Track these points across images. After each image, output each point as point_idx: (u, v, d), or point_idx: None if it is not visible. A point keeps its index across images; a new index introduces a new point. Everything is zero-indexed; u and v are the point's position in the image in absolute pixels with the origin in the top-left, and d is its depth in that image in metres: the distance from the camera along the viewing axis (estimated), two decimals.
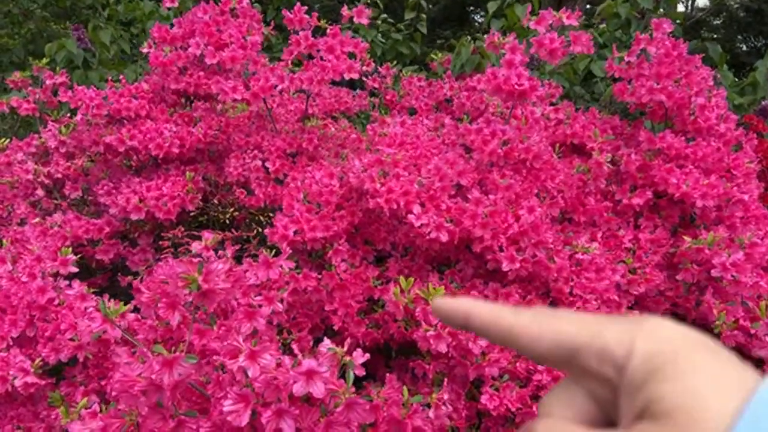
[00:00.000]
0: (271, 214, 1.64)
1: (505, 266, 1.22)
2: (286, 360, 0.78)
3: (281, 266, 1.04)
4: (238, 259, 1.34)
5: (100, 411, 0.96)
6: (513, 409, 1.15)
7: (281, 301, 1.00)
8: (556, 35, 1.43)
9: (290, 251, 1.10)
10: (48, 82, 1.90)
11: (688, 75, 1.50)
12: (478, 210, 1.24)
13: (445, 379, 1.22)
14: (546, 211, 1.39)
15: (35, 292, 1.27)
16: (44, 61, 1.97)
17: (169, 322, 0.98)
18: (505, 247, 1.24)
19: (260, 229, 1.57)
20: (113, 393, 0.78)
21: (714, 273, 1.31)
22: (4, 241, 1.59)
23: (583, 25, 2.94)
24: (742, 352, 1.28)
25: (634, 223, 1.53)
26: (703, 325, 1.39)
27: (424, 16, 3.51)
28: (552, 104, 1.98)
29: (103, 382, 1.29)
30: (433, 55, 2.46)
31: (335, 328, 1.29)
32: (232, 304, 1.12)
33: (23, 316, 1.28)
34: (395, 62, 3.32)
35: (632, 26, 2.46)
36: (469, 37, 2.27)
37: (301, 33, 1.58)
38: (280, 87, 1.53)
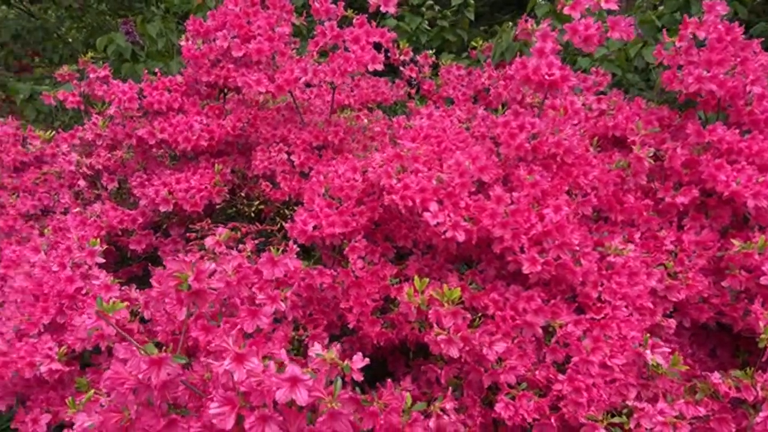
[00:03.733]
0: (295, 208, 1.64)
1: (526, 268, 1.15)
2: (272, 365, 0.76)
3: (287, 263, 1.02)
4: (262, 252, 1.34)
5: None
6: (530, 420, 1.09)
7: (284, 300, 0.98)
8: (593, 20, 1.33)
9: (297, 249, 1.08)
10: (92, 75, 1.96)
11: (744, 62, 1.36)
12: (499, 208, 1.17)
13: (456, 386, 1.18)
14: (576, 209, 1.30)
15: (64, 282, 1.32)
16: (89, 54, 2.03)
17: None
18: (527, 248, 1.17)
19: (284, 223, 1.57)
20: (104, 390, 0.79)
21: (763, 281, 1.19)
22: (47, 229, 1.66)
23: (651, 5, 2.74)
24: None
25: (677, 224, 1.41)
26: (751, 336, 1.27)
27: (471, 1, 3.39)
28: (600, 93, 1.86)
29: None
30: (474, 43, 2.37)
31: (350, 326, 1.26)
32: (235, 301, 1.12)
33: (54, 304, 1.33)
34: (440, 50, 3.24)
35: (692, 7, 2.27)
36: (510, 23, 2.17)
37: (326, 23, 1.55)
38: (304, 79, 1.51)
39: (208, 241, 1.16)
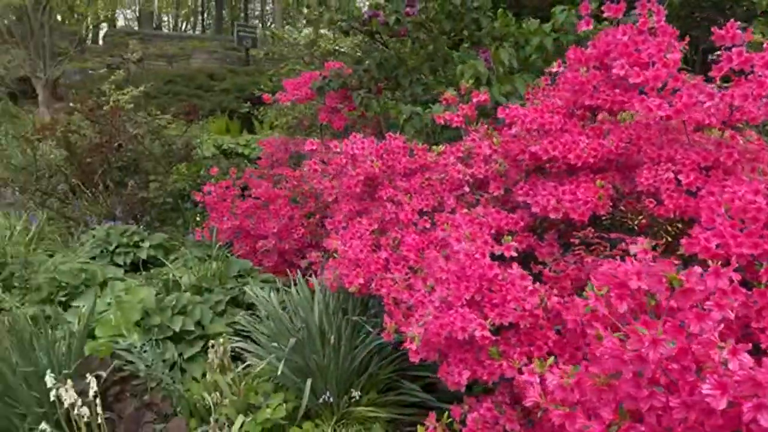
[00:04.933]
0: (678, 225, 1.71)
1: None
2: (767, 362, 0.87)
3: (731, 276, 1.12)
4: None
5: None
6: None
7: (732, 309, 1.08)
8: None
9: (737, 264, 1.16)
10: (474, 100, 2.35)
11: None
12: None
13: None
14: None
15: (486, 268, 1.64)
16: (470, 82, 2.43)
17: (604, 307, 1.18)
18: None
19: (668, 238, 1.66)
20: (603, 356, 1.00)
21: None
22: (447, 224, 2.06)
23: None
24: None
25: None
26: None
27: None
28: None
29: (531, 348, 1.59)
30: None
31: (762, 346, 1.29)
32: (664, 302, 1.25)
33: (474, 284, 1.66)
34: None
35: None
36: None
37: (734, 50, 1.58)
38: (708, 104, 1.58)
39: (633, 248, 1.32)
